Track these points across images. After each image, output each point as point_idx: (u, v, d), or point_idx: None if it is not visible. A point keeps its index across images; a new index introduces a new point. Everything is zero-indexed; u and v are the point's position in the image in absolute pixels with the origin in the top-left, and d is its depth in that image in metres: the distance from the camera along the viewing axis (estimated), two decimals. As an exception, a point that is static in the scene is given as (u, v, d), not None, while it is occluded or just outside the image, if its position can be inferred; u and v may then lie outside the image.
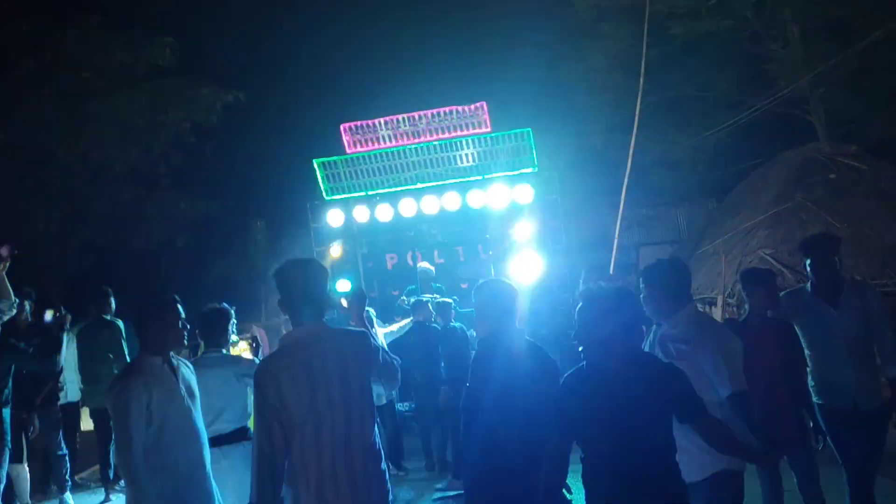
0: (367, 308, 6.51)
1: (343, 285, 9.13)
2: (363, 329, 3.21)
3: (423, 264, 9.32)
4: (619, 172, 11.10)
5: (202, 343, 4.57)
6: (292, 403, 2.78)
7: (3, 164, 10.34)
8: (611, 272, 10.25)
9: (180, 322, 3.47)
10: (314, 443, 2.79)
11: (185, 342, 3.61)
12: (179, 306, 3.50)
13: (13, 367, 5.47)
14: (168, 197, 13.34)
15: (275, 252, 16.35)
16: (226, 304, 4.40)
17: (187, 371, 3.55)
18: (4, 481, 5.28)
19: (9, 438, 5.30)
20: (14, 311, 5.16)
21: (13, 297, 5.04)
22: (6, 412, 5.27)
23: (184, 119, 12.55)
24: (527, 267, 8.09)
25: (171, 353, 3.49)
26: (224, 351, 4.34)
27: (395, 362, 3.21)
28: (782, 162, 11.68)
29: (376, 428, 3.02)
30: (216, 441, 3.89)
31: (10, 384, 5.43)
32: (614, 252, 10.49)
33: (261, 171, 16.63)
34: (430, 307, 7.35)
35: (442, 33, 20.92)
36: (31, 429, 6.13)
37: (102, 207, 12.46)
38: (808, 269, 4.19)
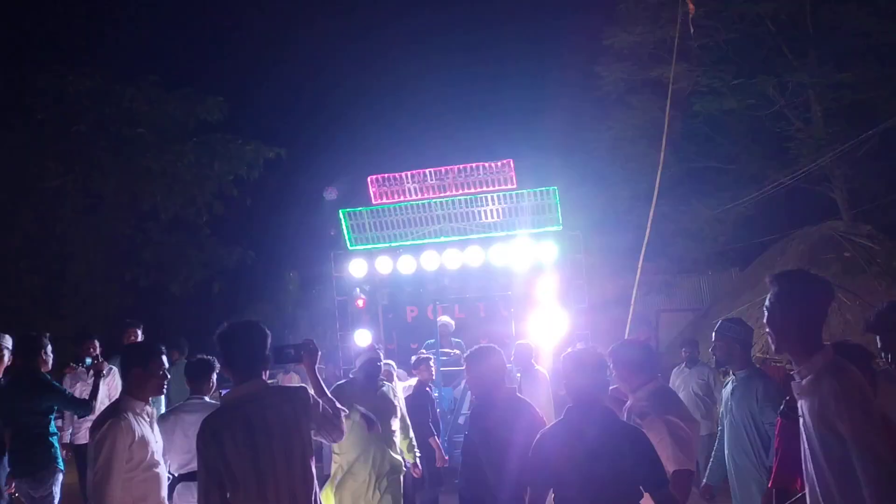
0: (387, 361, 6.89)
1: (362, 337, 9.39)
2: (302, 385, 3.34)
3: (444, 318, 9.20)
4: (642, 237, 11.46)
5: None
6: (233, 461, 2.89)
7: (57, 209, 11.07)
8: (626, 335, 10.52)
9: (161, 371, 3.73)
10: (258, 499, 2.90)
11: (164, 391, 3.93)
12: (163, 357, 3.78)
13: (55, 406, 5.88)
14: (207, 244, 14.00)
15: (304, 301, 17.00)
16: (210, 357, 4.61)
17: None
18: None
19: (60, 463, 5.72)
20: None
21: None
22: (55, 440, 5.71)
23: (228, 172, 13.28)
24: (549, 325, 8.16)
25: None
26: (206, 398, 4.64)
27: (339, 413, 3.30)
28: (800, 238, 11.99)
29: (314, 477, 3.14)
30: (192, 477, 4.21)
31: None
32: (630, 316, 10.77)
33: (295, 222, 17.36)
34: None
35: (471, 91, 21.76)
36: None
37: (146, 253, 13.15)
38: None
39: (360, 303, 9.43)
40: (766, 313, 2.69)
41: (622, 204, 16.24)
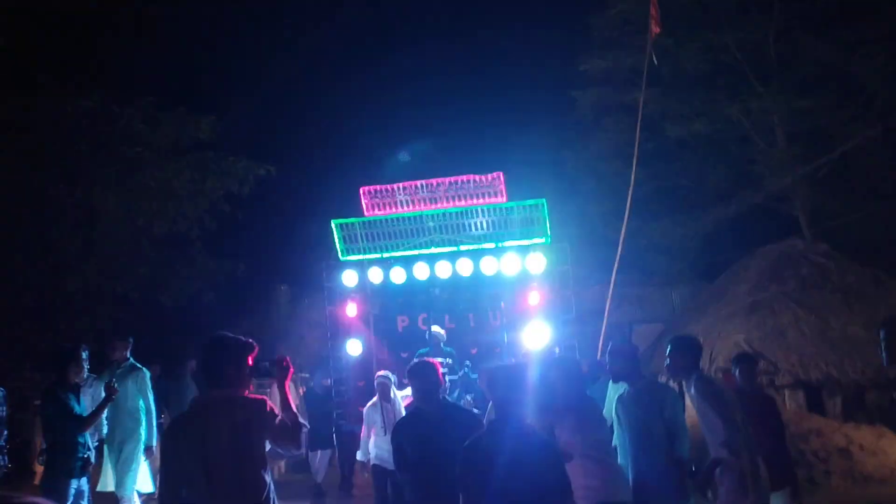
0: (386, 373, 7.41)
1: (353, 346, 9.60)
2: (261, 398, 3.54)
3: (435, 328, 9.20)
4: (615, 251, 12.08)
5: None
6: (188, 462, 3.23)
7: (57, 225, 11.50)
8: (599, 346, 11.04)
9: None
10: (210, 498, 3.20)
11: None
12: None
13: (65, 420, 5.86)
14: (198, 258, 14.41)
15: (295, 314, 17.45)
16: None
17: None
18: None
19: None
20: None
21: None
22: (78, 448, 6.08)
23: (219, 188, 13.74)
24: (536, 335, 8.40)
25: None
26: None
27: (300, 427, 3.50)
28: (761, 255, 12.73)
29: (268, 488, 3.39)
30: None
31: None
32: (604, 328, 11.33)
33: (285, 235, 17.87)
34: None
35: (461, 107, 22.42)
36: None
37: (139, 267, 13.55)
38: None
39: (352, 311, 9.44)
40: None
41: (598, 220, 16.92)
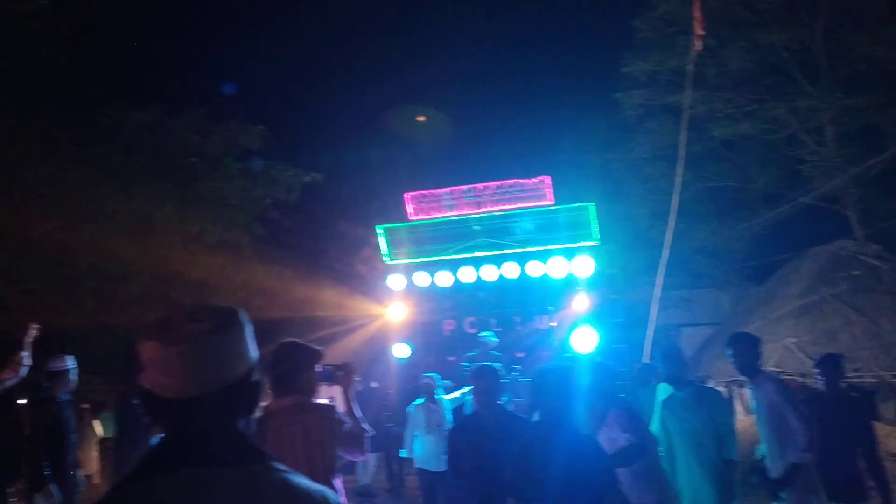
0: (432, 375, 7.56)
1: (401, 349, 9.75)
2: (330, 404, 3.59)
3: (487, 334, 9.07)
4: (660, 253, 12.02)
5: None
6: None
7: (117, 235, 11.97)
8: (645, 350, 11.01)
9: None
10: None
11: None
12: None
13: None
14: (248, 264, 14.81)
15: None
16: None
17: None
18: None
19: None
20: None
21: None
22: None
23: (268, 196, 14.10)
24: (584, 339, 8.33)
25: None
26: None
27: (364, 433, 3.57)
28: (812, 256, 12.55)
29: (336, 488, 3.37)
30: None
31: None
32: (650, 331, 11.30)
33: (331, 240, 18.19)
34: None
35: (506, 111, 22.49)
36: None
37: (192, 273, 13.99)
38: None
39: (398, 315, 9.52)
40: None
41: (644, 221, 16.83)
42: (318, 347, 3.59)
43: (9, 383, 5.61)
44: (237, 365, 1.46)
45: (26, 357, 5.88)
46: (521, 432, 4.06)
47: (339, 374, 3.74)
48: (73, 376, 6.90)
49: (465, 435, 4.51)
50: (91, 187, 11.47)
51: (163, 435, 1.45)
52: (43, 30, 10.64)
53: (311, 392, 3.54)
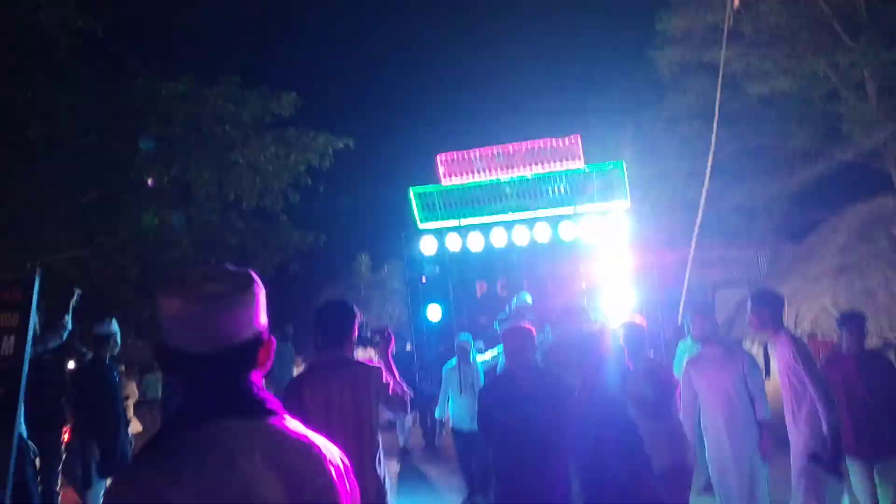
0: (466, 336, 7.70)
1: (434, 312, 9.78)
2: (377, 365, 3.72)
3: (524, 294, 8.81)
4: (696, 213, 11.90)
5: None
6: (310, 413, 3.35)
7: (158, 204, 12.28)
8: (679, 311, 10.98)
9: None
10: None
11: None
12: None
13: None
14: (284, 229, 15.04)
15: (376, 281, 18.02)
16: None
17: None
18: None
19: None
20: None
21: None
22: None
23: (301, 162, 14.24)
24: (617, 300, 8.34)
25: None
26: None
27: (406, 393, 3.77)
28: (850, 214, 12.34)
29: (379, 448, 3.57)
30: None
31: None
32: (684, 292, 11.24)
33: (364, 205, 18.41)
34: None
35: (537, 70, 22.26)
36: None
37: (230, 238, 14.27)
38: None
39: (431, 278, 9.59)
40: None
41: (679, 181, 16.68)
42: (357, 310, 3.76)
43: (51, 344, 5.87)
44: (251, 324, 1.55)
45: (69, 320, 6.15)
46: (555, 390, 4.24)
47: (377, 339, 3.93)
48: (118, 340, 7.21)
49: (496, 391, 4.53)
50: (130, 158, 11.71)
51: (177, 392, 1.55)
52: (76, 1, 10.81)
53: (352, 349, 3.71)
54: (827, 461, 4.49)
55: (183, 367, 1.54)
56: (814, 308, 10.28)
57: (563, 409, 4.02)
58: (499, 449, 4.42)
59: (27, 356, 3.83)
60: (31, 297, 3.92)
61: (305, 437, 1.57)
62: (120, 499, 1.44)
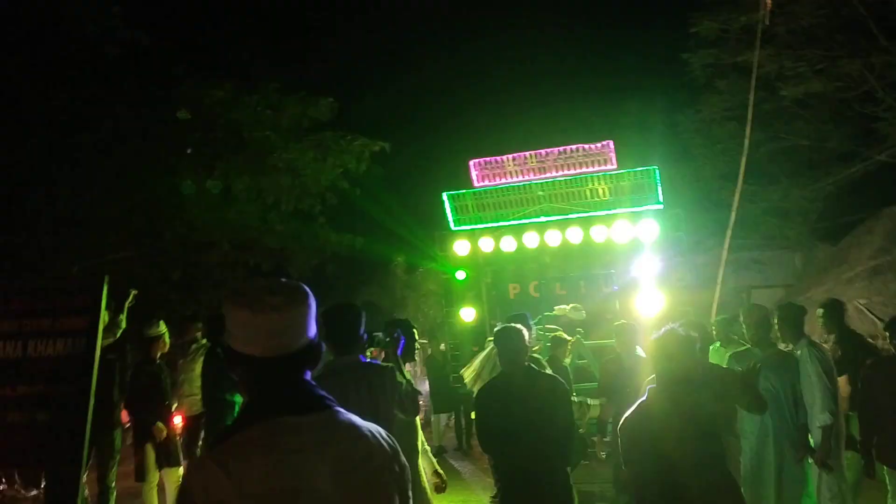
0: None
1: (467, 313, 10.06)
2: (391, 365, 3.84)
3: (565, 308, 9.10)
4: (729, 215, 11.93)
5: None
6: None
7: (199, 207, 12.65)
8: (713, 313, 10.99)
9: None
10: None
11: None
12: None
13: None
14: (321, 232, 15.31)
15: (411, 283, 18.26)
16: None
17: None
18: None
19: None
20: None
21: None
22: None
23: (338, 166, 14.50)
24: (649, 303, 8.44)
25: None
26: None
27: (416, 394, 3.85)
28: (887, 216, 12.26)
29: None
30: None
31: None
32: (716, 293, 11.28)
33: (399, 208, 18.65)
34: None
35: (570, 74, 22.31)
36: None
37: (269, 240, 14.61)
38: None
39: (464, 279, 9.80)
40: None
41: (714, 183, 16.65)
42: (362, 310, 3.87)
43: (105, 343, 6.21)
44: (306, 332, 1.80)
45: (123, 320, 6.49)
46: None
47: (387, 340, 4.08)
48: (167, 340, 7.57)
49: (490, 396, 4.51)
50: (174, 164, 12.11)
51: (246, 391, 1.81)
52: (122, 13, 11.18)
53: (361, 352, 3.83)
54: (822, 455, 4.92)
55: (248, 369, 1.78)
56: (848, 309, 10.22)
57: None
58: (497, 452, 4.48)
59: (97, 357, 4.14)
60: (99, 302, 4.23)
61: (357, 424, 1.81)
62: (196, 483, 1.67)
